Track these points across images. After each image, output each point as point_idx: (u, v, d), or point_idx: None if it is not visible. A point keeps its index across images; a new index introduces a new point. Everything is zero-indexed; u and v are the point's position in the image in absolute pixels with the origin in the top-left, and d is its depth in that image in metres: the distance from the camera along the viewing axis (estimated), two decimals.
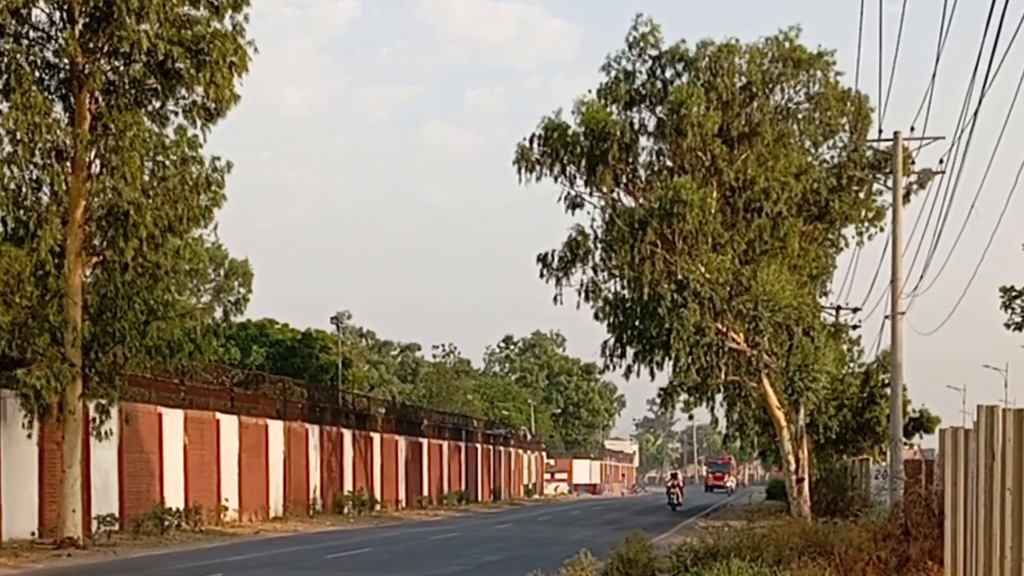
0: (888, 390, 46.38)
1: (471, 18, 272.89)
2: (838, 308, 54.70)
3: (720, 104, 44.63)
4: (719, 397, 50.26)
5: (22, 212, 33.20)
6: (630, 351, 46.92)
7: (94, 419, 35.92)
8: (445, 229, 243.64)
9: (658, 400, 52.88)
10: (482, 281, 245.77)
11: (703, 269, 43.64)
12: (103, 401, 35.84)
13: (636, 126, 46.27)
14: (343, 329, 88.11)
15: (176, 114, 34.95)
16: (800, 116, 47.23)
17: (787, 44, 45.64)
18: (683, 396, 50.55)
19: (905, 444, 48.16)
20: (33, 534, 35.72)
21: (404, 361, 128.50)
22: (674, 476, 77.59)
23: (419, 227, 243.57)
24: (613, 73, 46.11)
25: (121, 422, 39.39)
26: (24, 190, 33.31)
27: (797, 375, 43.81)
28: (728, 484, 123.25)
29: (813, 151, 48.62)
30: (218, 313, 53.38)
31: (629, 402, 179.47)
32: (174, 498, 43.72)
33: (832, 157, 48.65)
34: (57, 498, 35.09)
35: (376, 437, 66.65)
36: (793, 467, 46.60)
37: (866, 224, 49.57)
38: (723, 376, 45.71)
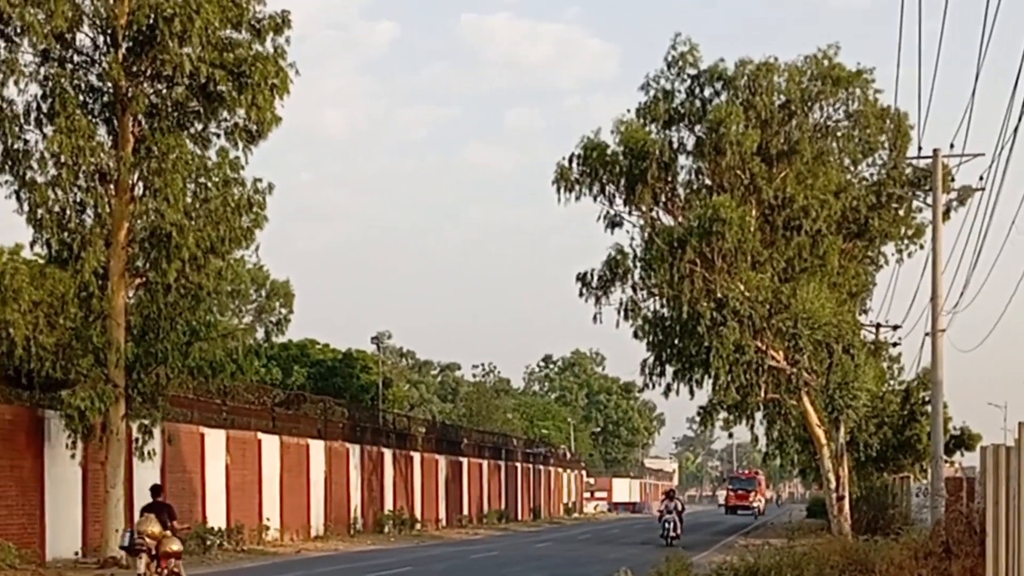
0: (929, 407, 46.23)
1: (510, 39, 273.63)
2: (878, 326, 54.61)
3: (759, 122, 44.71)
4: (759, 415, 50.25)
5: (66, 234, 33.36)
6: (669, 369, 47.03)
7: (137, 439, 36.05)
8: (484, 248, 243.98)
9: (698, 418, 52.84)
10: (521, 300, 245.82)
11: (742, 287, 43.69)
12: (146, 421, 35.96)
13: (675, 145, 46.44)
14: (383, 349, 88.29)
15: (218, 136, 35.04)
16: (839, 134, 47.29)
17: (826, 62, 45.73)
18: (723, 414, 50.55)
19: (946, 462, 47.90)
20: (76, 553, 35.89)
21: (444, 380, 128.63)
22: (669, 496, 53.94)
23: (459, 247, 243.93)
24: (652, 92, 46.32)
25: (164, 442, 39.52)
26: (68, 212, 33.46)
27: (837, 393, 43.77)
28: (755, 504, 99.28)
29: (852, 169, 48.65)
30: (260, 334, 53.77)
31: (668, 420, 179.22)
32: (216, 517, 43.86)
33: (871, 175, 48.66)
34: (100, 518, 35.25)
35: (416, 456, 66.73)
36: (833, 485, 46.52)
37: (906, 241, 49.52)
38: (763, 394, 45.74)
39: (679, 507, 52.31)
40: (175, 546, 25.45)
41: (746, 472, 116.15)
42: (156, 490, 26.93)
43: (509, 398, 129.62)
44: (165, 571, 25.22)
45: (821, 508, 59.94)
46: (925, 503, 46.29)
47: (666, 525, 50.80)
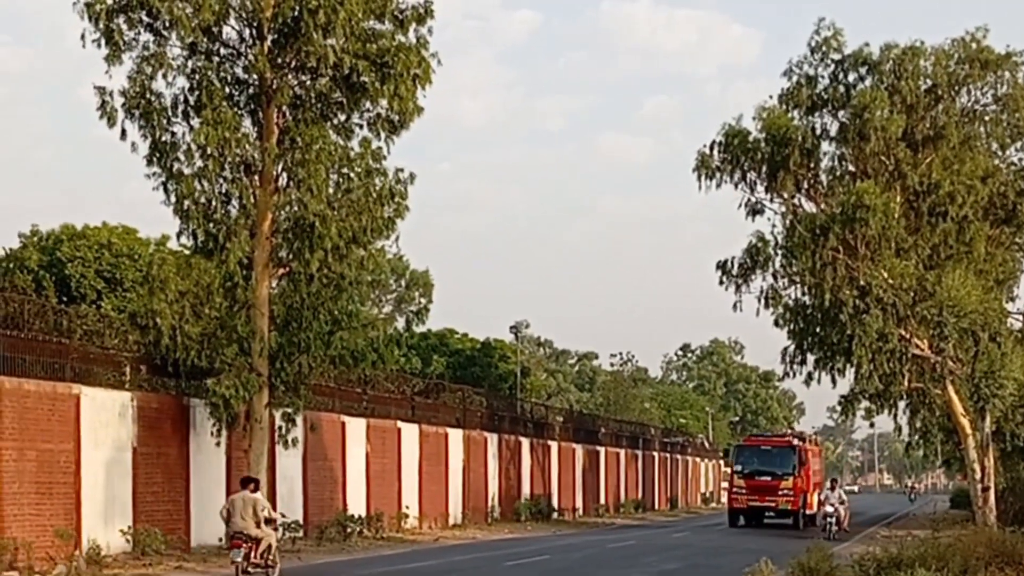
0: None
1: (650, 26, 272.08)
2: None
3: (904, 107, 44.13)
4: (902, 404, 49.64)
5: (212, 225, 33.69)
6: (811, 358, 46.76)
7: (280, 427, 36.41)
8: (622, 237, 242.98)
9: (839, 408, 52.30)
10: (659, 289, 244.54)
11: (886, 275, 43.16)
12: (289, 410, 36.30)
13: (818, 131, 46.10)
14: (521, 338, 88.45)
15: (361, 127, 35.14)
16: (987, 118, 46.50)
17: (974, 45, 44.97)
18: (864, 403, 49.96)
19: None
20: (220, 540, 36.27)
21: (581, 370, 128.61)
22: None
23: (597, 236, 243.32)
24: (795, 78, 46.00)
25: (306, 430, 39.80)
26: (214, 203, 33.77)
27: (983, 382, 43.00)
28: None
29: (1000, 153, 47.81)
30: (400, 323, 53.93)
31: (808, 410, 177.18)
32: (356, 505, 44.24)
33: (1020, 159, 47.73)
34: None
35: (554, 445, 66.75)
36: (979, 475, 45.75)
37: None
38: (906, 383, 45.20)
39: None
40: None
41: (777, 437, 61.13)
42: None
43: (647, 387, 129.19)
44: None
45: (965, 499, 58.97)
46: None
47: None
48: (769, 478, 54.63)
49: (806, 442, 58.91)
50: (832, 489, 48.97)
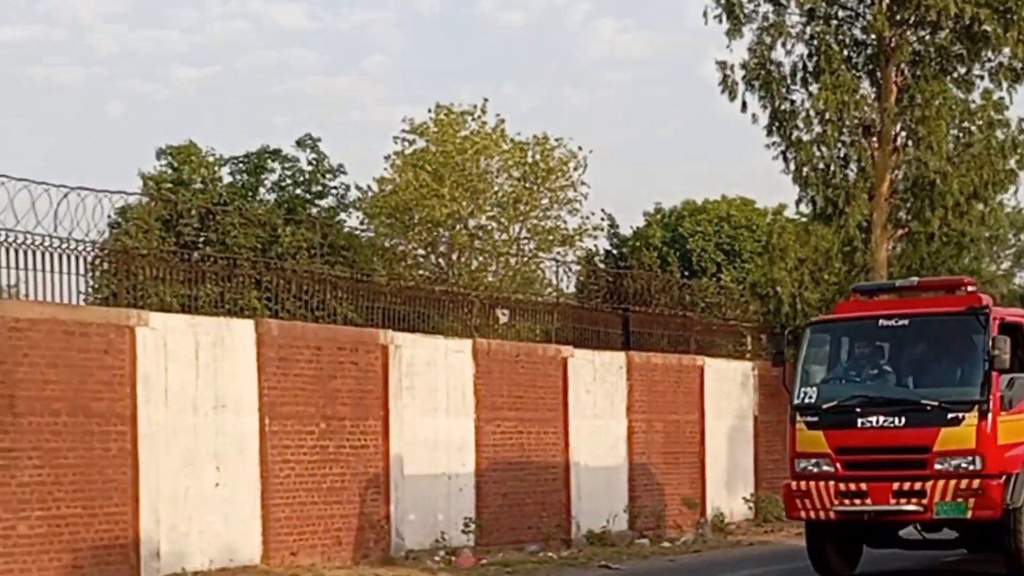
0: None
1: None
2: None
3: None
4: None
5: (830, 190, 33.36)
6: None
7: None
8: None
9: None
10: None
11: None
12: None
13: None
14: None
15: (981, 78, 33.91)
16: None
17: None
18: None
19: None
20: None
21: None
22: None
23: None
24: None
25: None
26: (832, 168, 33.54)
27: None
28: None
29: None
30: (1019, 279, 51.66)
31: None
32: None
33: None
34: None
35: None
36: None
37: None
38: None
39: None
40: None
41: (919, 291, 19.40)
42: None
43: None
44: None
45: None
46: None
47: None
48: (901, 421, 17.17)
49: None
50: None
